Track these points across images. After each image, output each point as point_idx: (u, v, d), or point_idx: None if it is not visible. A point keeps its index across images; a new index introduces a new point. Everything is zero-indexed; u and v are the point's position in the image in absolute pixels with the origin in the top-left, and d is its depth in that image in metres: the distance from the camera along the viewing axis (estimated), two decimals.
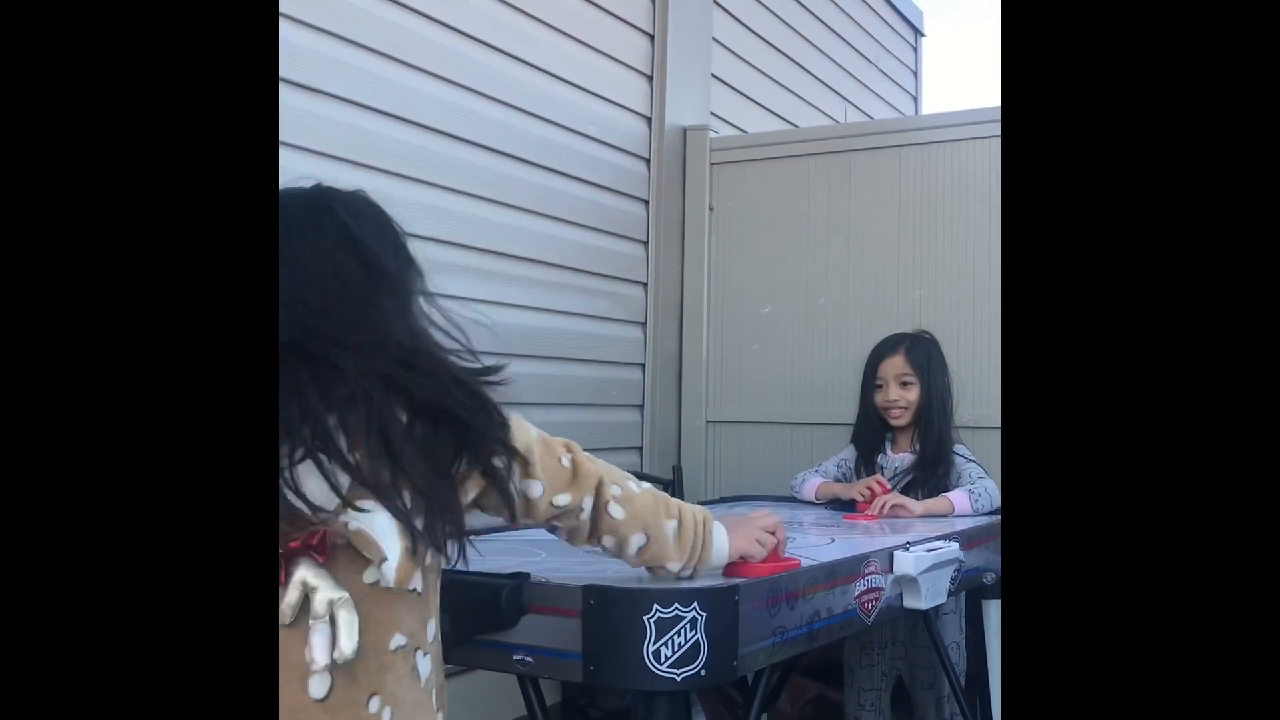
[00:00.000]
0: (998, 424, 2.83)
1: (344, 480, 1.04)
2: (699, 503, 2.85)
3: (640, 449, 3.30)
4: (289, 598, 1.03)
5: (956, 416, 2.59)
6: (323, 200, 1.19)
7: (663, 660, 1.28)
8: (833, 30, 4.47)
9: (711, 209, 3.38)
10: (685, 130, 3.40)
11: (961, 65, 12.99)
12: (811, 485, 2.58)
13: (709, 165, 3.37)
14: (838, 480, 2.61)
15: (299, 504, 1.02)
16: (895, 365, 2.54)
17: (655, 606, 1.28)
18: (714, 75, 3.62)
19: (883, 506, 2.32)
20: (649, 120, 3.31)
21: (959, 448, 2.52)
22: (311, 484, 1.03)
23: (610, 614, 1.30)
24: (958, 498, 2.37)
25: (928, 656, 2.45)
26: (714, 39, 3.61)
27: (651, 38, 3.30)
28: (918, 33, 5.21)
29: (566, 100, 2.96)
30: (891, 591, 1.70)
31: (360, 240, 1.16)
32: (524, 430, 1.22)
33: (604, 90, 3.11)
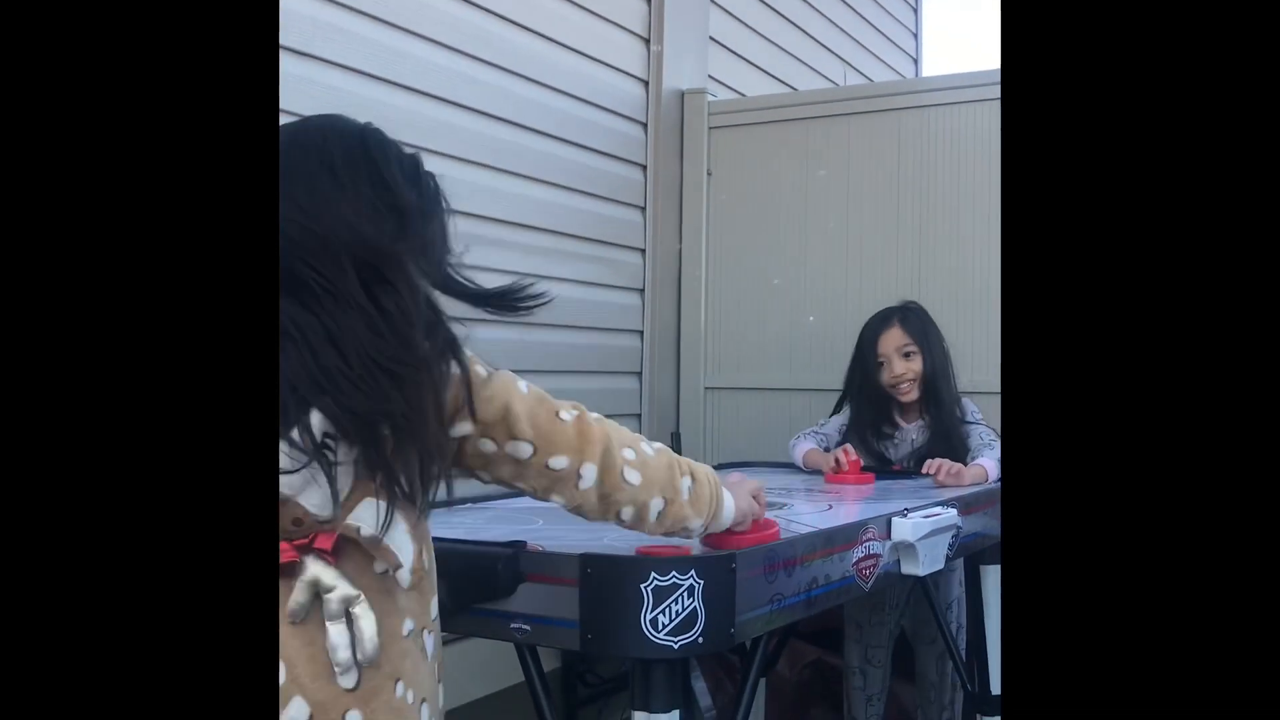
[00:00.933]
0: (998, 389, 2.84)
1: (344, 486, 1.03)
2: None
3: (639, 416, 3.29)
4: (298, 597, 1.02)
5: (959, 381, 2.57)
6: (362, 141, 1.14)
7: (660, 628, 1.28)
8: None
9: (710, 174, 3.35)
10: (683, 94, 3.36)
11: (962, 27, 12.89)
12: (801, 450, 2.54)
13: (707, 129, 3.34)
14: (838, 444, 2.58)
15: (301, 513, 1.02)
16: (894, 338, 2.49)
17: (652, 574, 1.28)
18: (712, 38, 3.58)
19: (946, 471, 2.24)
20: (646, 84, 3.27)
21: (966, 403, 2.50)
22: (312, 493, 1.02)
23: (607, 582, 1.30)
24: (990, 465, 2.31)
25: (926, 614, 2.46)
26: (711, 1, 3.57)
27: (649, 0, 3.26)
28: None
29: (563, 64, 2.93)
30: (889, 558, 1.70)
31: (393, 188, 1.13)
32: (507, 388, 1.16)
33: (601, 54, 3.07)
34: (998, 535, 2.23)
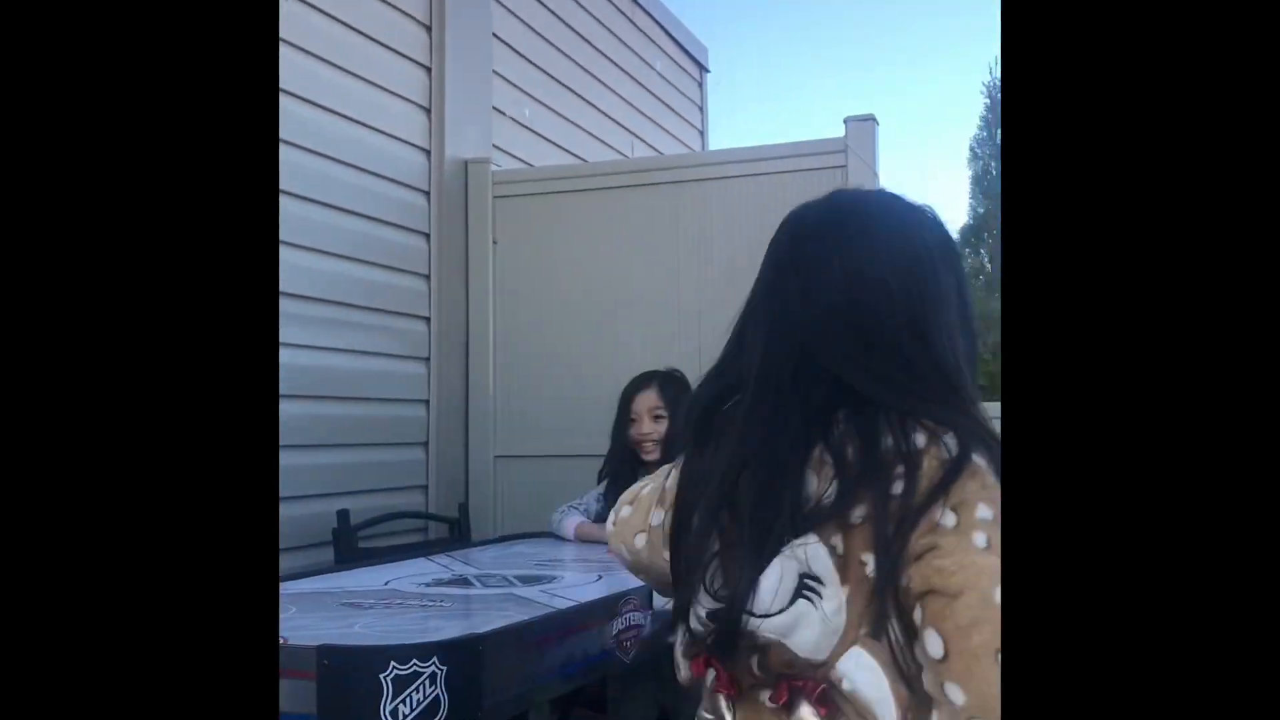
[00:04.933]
0: None
1: (836, 628, 0.92)
2: (483, 542, 2.82)
3: (425, 488, 3.23)
4: None
5: None
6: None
7: (400, 718, 1.24)
8: (617, 65, 4.53)
9: (495, 242, 3.36)
10: (466, 163, 3.37)
11: (748, 101, 13.50)
12: (571, 524, 2.60)
13: (491, 198, 3.35)
14: (597, 514, 2.64)
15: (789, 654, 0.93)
16: (648, 400, 2.65)
17: (392, 664, 1.24)
18: (496, 108, 3.61)
19: None
20: (428, 153, 3.26)
21: None
22: (804, 632, 0.92)
23: (345, 673, 1.25)
24: None
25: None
26: (495, 72, 3.60)
27: (429, 70, 3.27)
28: (703, 69, 5.36)
29: (340, 133, 2.89)
30: (652, 627, 1.71)
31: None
32: None
33: (379, 122, 3.05)
34: None
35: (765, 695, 0.97)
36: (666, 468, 1.17)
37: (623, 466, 2.67)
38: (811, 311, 1.00)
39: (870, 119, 3.05)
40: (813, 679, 0.93)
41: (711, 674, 1.01)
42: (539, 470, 3.28)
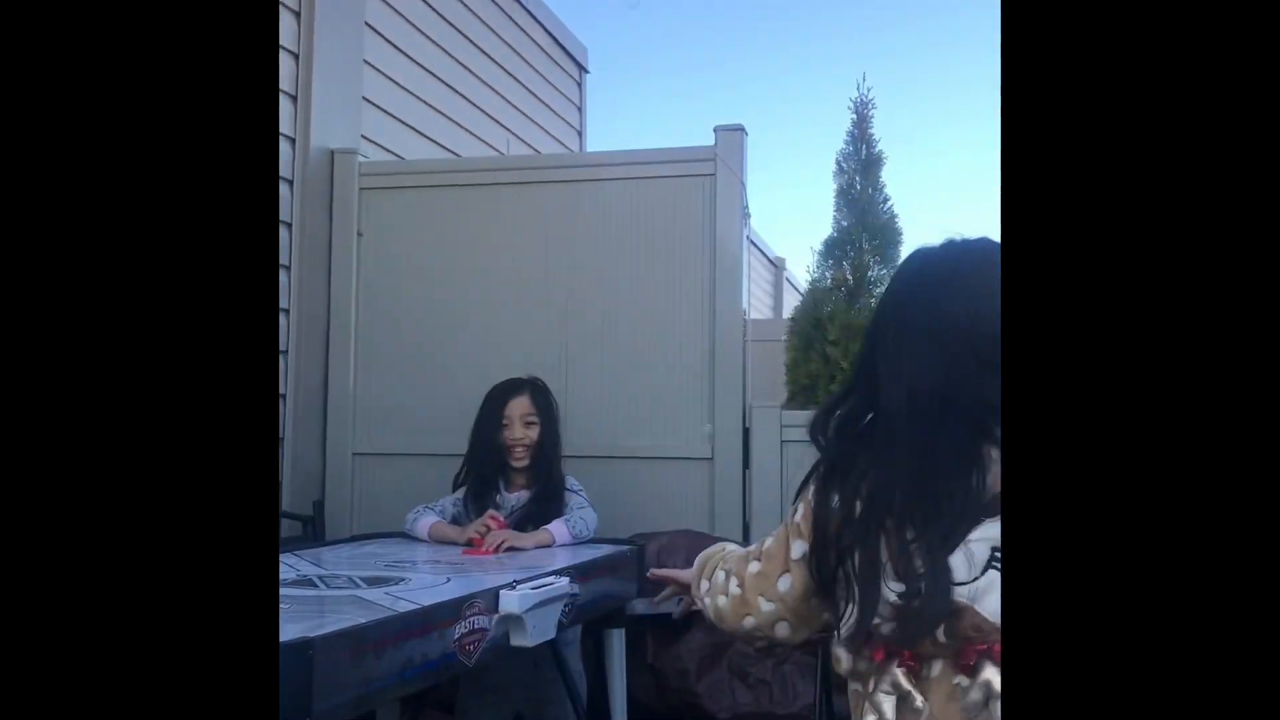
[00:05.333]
0: (625, 453, 2.99)
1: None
2: (335, 541, 2.76)
3: (279, 484, 3.14)
4: (974, 695, 1.09)
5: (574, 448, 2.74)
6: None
7: None
8: (495, 61, 4.50)
9: (360, 235, 3.29)
10: (333, 153, 3.29)
11: (627, 104, 13.61)
12: (424, 525, 2.58)
13: (357, 190, 3.29)
14: (454, 517, 2.62)
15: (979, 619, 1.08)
16: (521, 406, 2.66)
17: None
18: (366, 99, 3.54)
19: (498, 545, 2.34)
20: (293, 141, 3.18)
21: (569, 479, 2.63)
22: (993, 597, 1.07)
23: None
24: (556, 529, 2.48)
25: (550, 692, 2.47)
26: (366, 61, 3.53)
27: (297, 57, 3.18)
28: (582, 69, 5.36)
29: None
30: (497, 631, 1.70)
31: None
32: None
33: None
34: (621, 598, 2.30)
35: (942, 664, 1.12)
36: (765, 540, 1.29)
37: (488, 469, 2.65)
38: (949, 343, 1.15)
39: (739, 129, 3.09)
40: (997, 641, 1.08)
41: (890, 655, 1.15)
42: (399, 468, 3.23)
